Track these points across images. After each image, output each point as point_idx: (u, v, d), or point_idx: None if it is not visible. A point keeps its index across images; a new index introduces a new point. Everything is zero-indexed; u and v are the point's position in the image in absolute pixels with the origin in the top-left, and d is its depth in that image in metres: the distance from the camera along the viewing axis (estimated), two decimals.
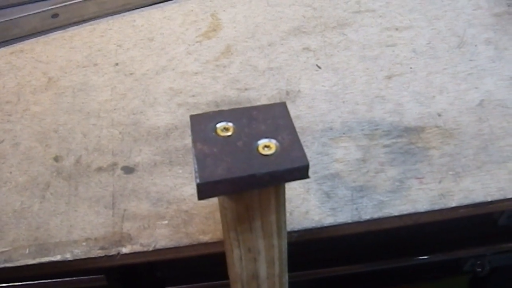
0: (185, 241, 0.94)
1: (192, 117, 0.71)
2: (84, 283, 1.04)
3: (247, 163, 0.65)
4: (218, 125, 0.70)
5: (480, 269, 1.13)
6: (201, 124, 0.70)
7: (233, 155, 0.66)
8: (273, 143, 0.67)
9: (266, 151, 0.66)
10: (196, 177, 0.65)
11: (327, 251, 1.09)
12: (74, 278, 1.03)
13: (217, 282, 1.08)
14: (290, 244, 0.81)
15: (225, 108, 1.11)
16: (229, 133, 0.69)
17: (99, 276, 1.03)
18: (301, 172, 0.66)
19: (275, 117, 0.71)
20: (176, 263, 1.05)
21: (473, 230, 1.08)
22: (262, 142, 0.67)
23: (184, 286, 1.10)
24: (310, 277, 1.11)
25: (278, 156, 0.66)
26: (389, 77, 1.14)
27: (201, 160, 0.66)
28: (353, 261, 1.11)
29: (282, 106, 0.73)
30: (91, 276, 1.03)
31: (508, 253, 1.12)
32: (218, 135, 0.69)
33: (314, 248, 1.05)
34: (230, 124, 0.70)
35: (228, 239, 0.76)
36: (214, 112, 0.72)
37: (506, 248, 1.11)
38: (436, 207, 0.96)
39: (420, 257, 1.11)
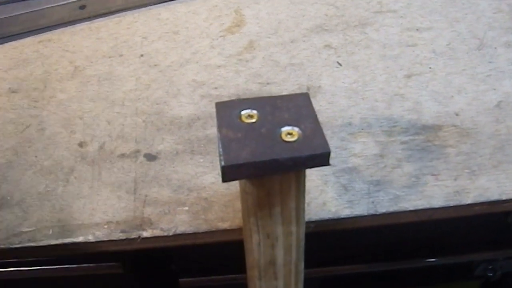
0: (204, 227, 0.95)
1: (218, 104, 0.73)
2: (100, 269, 1.06)
3: (270, 148, 0.67)
4: (243, 112, 0.72)
5: (491, 274, 1.13)
6: (226, 111, 0.72)
7: (257, 140, 0.68)
8: (295, 130, 0.69)
9: (289, 138, 0.68)
10: (221, 160, 0.66)
11: (337, 249, 1.10)
12: (91, 264, 1.05)
13: (230, 275, 1.10)
14: (306, 235, 0.83)
15: None
16: (253, 120, 0.71)
17: (116, 263, 1.04)
18: (322, 158, 0.68)
19: (298, 107, 0.73)
20: (190, 254, 1.07)
21: (486, 234, 1.09)
22: (285, 129, 0.69)
23: (198, 278, 1.12)
24: (319, 275, 1.13)
25: (300, 143, 0.68)
26: (408, 76, 1.16)
27: (226, 144, 0.68)
28: (364, 261, 1.12)
29: (305, 96, 0.74)
30: (107, 263, 1.05)
31: None
32: (243, 122, 0.71)
33: (324, 246, 1.06)
34: (255, 112, 0.72)
35: (247, 225, 0.78)
36: (239, 100, 0.74)
37: None
38: (451, 203, 0.97)
39: (432, 259, 1.12)
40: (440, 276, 1.18)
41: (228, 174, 0.67)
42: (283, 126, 0.70)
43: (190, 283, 1.11)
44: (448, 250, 1.11)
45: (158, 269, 1.12)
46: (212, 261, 1.10)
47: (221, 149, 0.67)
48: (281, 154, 0.66)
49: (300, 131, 0.69)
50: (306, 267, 0.88)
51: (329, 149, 0.67)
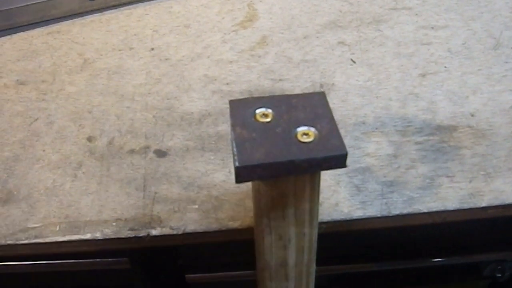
0: (214, 227, 0.94)
1: (232, 102, 0.72)
2: (108, 265, 1.04)
3: (286, 149, 0.65)
4: (258, 111, 0.70)
5: (500, 275, 1.12)
6: (241, 109, 0.71)
7: (272, 140, 0.66)
8: (312, 131, 0.67)
9: (305, 139, 0.67)
10: (235, 161, 0.65)
11: (347, 247, 1.09)
12: (98, 259, 1.04)
13: (237, 272, 1.09)
14: (318, 236, 0.82)
15: None
16: (268, 119, 0.69)
17: (123, 259, 1.03)
18: (339, 160, 0.66)
19: (314, 106, 0.71)
20: (199, 251, 1.06)
21: (495, 235, 1.08)
22: (301, 129, 0.68)
23: (204, 274, 1.10)
24: (327, 273, 1.11)
25: (316, 144, 0.66)
26: (423, 75, 1.14)
27: (240, 144, 0.66)
28: (372, 260, 1.11)
29: (321, 95, 0.73)
30: (115, 259, 1.04)
31: None
32: (257, 121, 0.69)
33: (334, 244, 1.05)
34: (270, 111, 0.70)
35: (259, 226, 0.77)
36: (253, 98, 0.73)
37: None
38: (466, 206, 0.95)
39: (440, 259, 1.10)
40: (448, 276, 1.17)
41: (242, 175, 0.65)
42: (299, 126, 0.68)
43: (196, 279, 1.10)
44: (457, 250, 1.10)
45: (165, 265, 1.11)
46: (219, 258, 1.09)
47: (235, 149, 0.65)
48: (297, 155, 0.65)
49: (316, 132, 0.67)
50: (316, 264, 0.86)
51: (346, 150, 0.66)
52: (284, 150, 0.65)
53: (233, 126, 0.68)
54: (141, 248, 0.96)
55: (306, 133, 0.67)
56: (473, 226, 1.05)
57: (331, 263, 1.09)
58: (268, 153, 0.65)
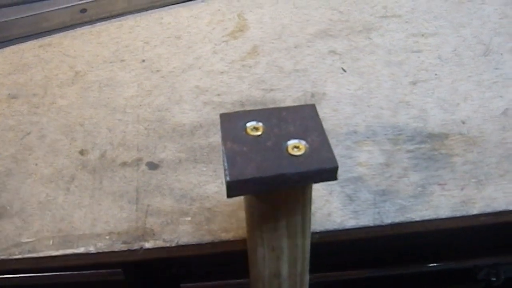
0: (207, 238, 0.94)
1: (222, 115, 0.72)
2: (101, 276, 1.04)
3: (277, 162, 0.66)
4: (248, 125, 0.70)
5: (494, 279, 1.12)
6: (231, 122, 0.71)
7: (263, 154, 0.67)
8: (302, 144, 0.68)
9: (296, 152, 0.67)
10: (226, 175, 0.65)
11: (341, 254, 1.09)
12: (92, 271, 1.03)
13: (232, 280, 1.09)
14: (311, 245, 0.82)
15: (250, 108, 1.11)
16: (259, 133, 0.69)
17: (117, 270, 1.03)
18: (330, 173, 0.66)
19: (304, 118, 0.71)
20: (193, 261, 1.06)
21: (489, 239, 1.08)
22: (291, 142, 0.68)
23: (199, 283, 1.10)
24: (321, 280, 1.11)
25: (307, 157, 0.66)
26: (414, 83, 1.15)
27: (231, 158, 0.66)
28: (367, 266, 1.11)
29: (312, 107, 0.73)
30: (108, 270, 1.03)
31: None
32: (248, 134, 0.69)
33: (327, 251, 1.05)
34: (260, 124, 0.70)
35: (252, 237, 0.77)
36: (244, 111, 0.73)
37: None
38: (458, 214, 0.95)
39: (435, 264, 1.11)
40: (443, 281, 1.17)
41: (233, 189, 0.65)
42: (289, 139, 0.68)
43: None
44: (452, 254, 1.10)
45: (160, 275, 1.11)
46: (213, 267, 1.09)
47: (226, 164, 0.66)
48: (288, 169, 0.65)
49: (307, 145, 0.68)
50: (310, 272, 0.87)
51: (336, 163, 0.66)
52: (275, 164, 0.66)
53: (224, 140, 0.69)
54: (135, 261, 0.96)
55: (296, 146, 0.67)
56: (466, 232, 1.05)
57: (324, 270, 1.09)
58: (259, 167, 0.65)
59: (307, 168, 0.65)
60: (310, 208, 0.75)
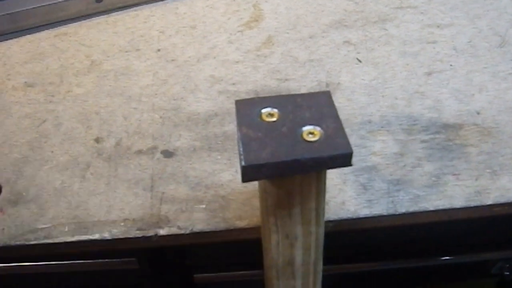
0: (221, 226, 0.94)
1: (238, 102, 0.72)
2: (116, 265, 1.05)
3: (291, 148, 0.66)
4: (263, 111, 0.70)
5: (508, 273, 1.12)
6: (247, 109, 0.71)
7: (278, 140, 0.67)
8: (317, 130, 0.68)
9: (310, 138, 0.67)
10: (241, 160, 0.65)
11: (354, 246, 1.09)
12: (106, 260, 1.04)
13: (245, 272, 1.09)
14: (325, 234, 0.82)
15: None
16: (274, 119, 0.70)
17: (131, 259, 1.04)
18: (344, 159, 0.66)
19: (319, 105, 0.71)
20: (207, 251, 1.06)
21: (503, 233, 1.08)
22: (306, 128, 0.68)
23: (212, 274, 1.11)
24: (334, 272, 1.11)
25: (322, 143, 0.66)
26: (429, 74, 1.15)
27: (246, 143, 0.66)
28: (379, 259, 1.11)
29: (327, 94, 0.73)
30: (123, 259, 1.04)
31: None
32: (263, 120, 0.69)
33: (339, 243, 1.05)
34: (275, 110, 0.70)
35: (266, 224, 0.77)
36: (259, 98, 0.73)
37: None
38: (472, 204, 0.95)
39: (448, 258, 1.11)
40: (457, 274, 1.17)
41: (248, 174, 0.65)
42: (304, 125, 0.68)
43: (204, 279, 1.11)
44: (465, 248, 1.10)
45: (173, 265, 1.12)
46: (226, 258, 1.09)
47: (241, 149, 0.66)
48: (302, 155, 0.65)
49: (321, 131, 0.68)
50: (323, 264, 0.87)
51: (351, 149, 0.66)
52: (289, 149, 0.66)
53: (239, 125, 0.69)
54: (149, 248, 0.97)
55: (311, 132, 0.68)
56: (480, 224, 1.05)
57: (338, 262, 1.09)
58: (274, 153, 0.65)
59: (321, 154, 0.66)
60: (324, 195, 0.75)
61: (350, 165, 0.67)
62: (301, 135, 0.67)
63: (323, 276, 0.89)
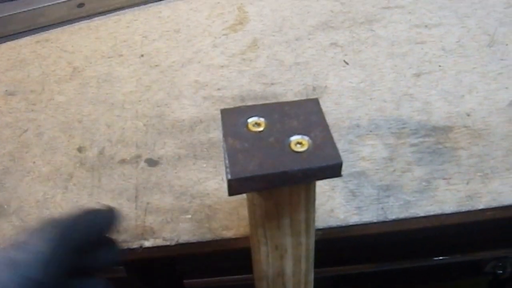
0: (208, 236, 0.92)
1: (223, 111, 0.70)
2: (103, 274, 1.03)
3: (279, 159, 0.64)
4: (250, 120, 0.68)
5: (501, 271, 1.12)
6: (232, 118, 0.69)
7: (265, 151, 0.65)
8: (305, 140, 0.66)
9: (299, 148, 0.65)
10: (227, 173, 0.63)
11: (347, 249, 1.08)
12: None
13: (236, 276, 1.08)
14: (315, 241, 0.80)
15: (250, 102, 1.10)
16: (261, 129, 0.68)
17: (119, 267, 1.02)
18: (334, 170, 0.64)
19: (307, 113, 0.69)
20: (196, 257, 1.05)
21: (496, 232, 1.07)
22: (294, 138, 0.66)
23: (203, 279, 1.09)
24: (326, 274, 1.10)
25: (310, 153, 0.64)
26: (417, 75, 1.13)
27: (232, 155, 0.64)
28: (372, 260, 1.10)
29: (315, 102, 0.71)
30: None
31: None
32: (250, 130, 0.67)
33: (333, 246, 1.04)
34: (262, 119, 0.68)
35: (255, 236, 0.75)
36: (245, 106, 0.71)
37: None
38: (463, 208, 0.94)
39: (440, 257, 1.09)
40: (449, 274, 1.16)
41: (235, 187, 0.63)
42: (292, 135, 0.66)
43: (194, 284, 1.09)
44: (458, 248, 1.09)
45: (162, 271, 1.10)
46: (216, 263, 1.07)
47: (227, 161, 0.64)
48: (291, 166, 0.63)
49: (310, 140, 0.66)
50: (315, 266, 0.85)
51: (341, 160, 0.64)
52: (277, 161, 0.64)
53: (225, 136, 0.67)
54: (135, 260, 0.95)
55: (299, 142, 0.66)
56: (472, 226, 1.03)
57: (327, 265, 1.07)
58: (261, 164, 0.63)
59: (310, 165, 0.63)
60: (314, 206, 0.73)
61: (340, 175, 0.65)
62: (289, 145, 0.65)
63: (314, 279, 0.88)
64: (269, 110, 0.70)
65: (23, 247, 0.63)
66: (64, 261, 0.64)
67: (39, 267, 0.61)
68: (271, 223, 0.72)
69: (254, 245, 0.78)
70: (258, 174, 0.63)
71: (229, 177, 0.62)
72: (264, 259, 0.77)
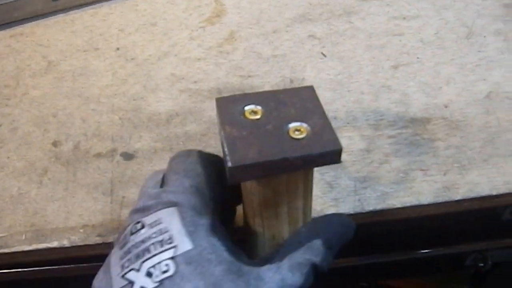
0: None
1: (218, 99, 0.69)
2: (83, 270, 1.01)
3: (279, 146, 0.63)
4: (246, 108, 0.68)
5: (482, 264, 1.12)
6: (228, 107, 0.68)
7: (264, 138, 0.64)
8: (304, 126, 0.65)
9: (297, 135, 0.65)
10: (226, 161, 0.62)
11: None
12: (72, 265, 1.01)
13: None
14: None
15: (227, 95, 1.09)
16: (258, 116, 0.67)
17: (98, 264, 1.01)
18: (334, 156, 0.64)
19: (303, 101, 0.69)
20: None
21: (476, 225, 1.07)
22: (292, 125, 0.65)
23: None
24: None
25: (310, 140, 0.64)
26: (395, 67, 1.13)
27: (231, 143, 0.63)
28: (353, 254, 1.09)
29: (310, 89, 0.71)
30: (90, 264, 1.01)
31: (511, 249, 1.11)
32: (247, 118, 0.67)
33: None
34: (259, 107, 0.68)
35: (252, 225, 0.74)
36: (240, 94, 0.70)
37: (509, 243, 1.09)
38: (440, 199, 0.94)
39: (422, 251, 1.09)
40: (430, 267, 1.16)
41: (235, 175, 0.62)
42: (290, 122, 0.66)
43: None
44: (438, 241, 1.09)
45: None
46: None
47: (226, 149, 0.63)
48: (291, 153, 0.63)
49: (308, 127, 0.65)
50: None
51: (341, 146, 0.64)
52: (277, 148, 0.63)
53: (222, 124, 0.66)
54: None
55: (298, 129, 0.65)
56: (451, 217, 1.03)
57: None
58: (260, 152, 0.62)
59: (310, 151, 0.63)
60: (312, 194, 0.73)
61: (340, 162, 0.65)
62: (288, 133, 0.65)
63: None
64: (265, 98, 0.69)
65: None
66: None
67: None
68: (269, 211, 0.71)
69: (251, 235, 0.77)
70: (259, 161, 0.62)
71: (229, 165, 0.62)
72: (261, 249, 0.76)
